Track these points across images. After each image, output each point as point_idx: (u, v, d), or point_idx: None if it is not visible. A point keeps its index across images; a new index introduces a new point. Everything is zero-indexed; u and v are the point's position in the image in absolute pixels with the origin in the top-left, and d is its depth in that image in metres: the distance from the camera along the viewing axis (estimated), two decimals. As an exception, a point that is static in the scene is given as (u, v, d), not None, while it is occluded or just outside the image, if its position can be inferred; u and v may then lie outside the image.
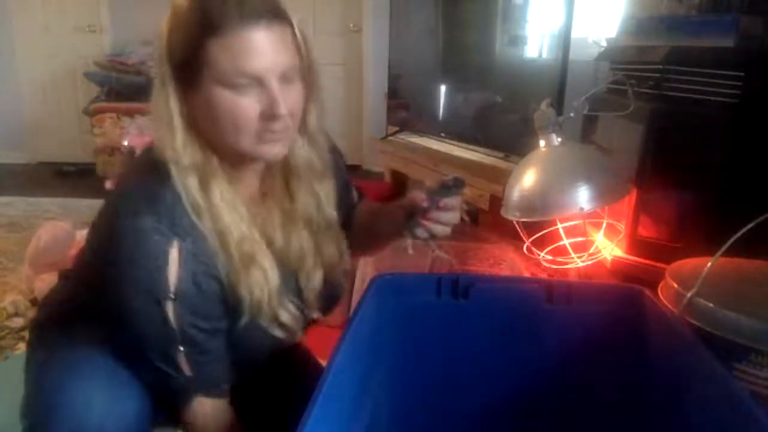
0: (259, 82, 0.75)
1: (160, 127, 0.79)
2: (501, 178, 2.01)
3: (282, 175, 0.92)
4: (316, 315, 0.96)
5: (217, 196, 0.81)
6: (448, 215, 0.86)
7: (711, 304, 0.85)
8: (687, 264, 0.98)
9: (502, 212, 1.33)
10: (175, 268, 0.76)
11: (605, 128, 1.51)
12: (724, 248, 0.88)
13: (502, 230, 1.66)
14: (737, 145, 1.20)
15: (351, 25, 4.17)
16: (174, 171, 0.78)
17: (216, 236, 0.80)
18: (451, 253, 1.43)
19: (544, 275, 1.40)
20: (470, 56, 2.75)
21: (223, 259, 0.81)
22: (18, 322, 1.91)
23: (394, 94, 3.25)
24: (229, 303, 0.82)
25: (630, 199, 1.33)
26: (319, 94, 0.88)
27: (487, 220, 2.11)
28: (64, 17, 4.25)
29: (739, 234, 0.87)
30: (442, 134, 2.81)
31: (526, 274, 1.40)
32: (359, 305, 0.80)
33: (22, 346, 1.75)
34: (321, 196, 0.93)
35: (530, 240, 1.42)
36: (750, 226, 0.87)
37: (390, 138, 3.09)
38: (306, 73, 0.82)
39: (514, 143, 2.25)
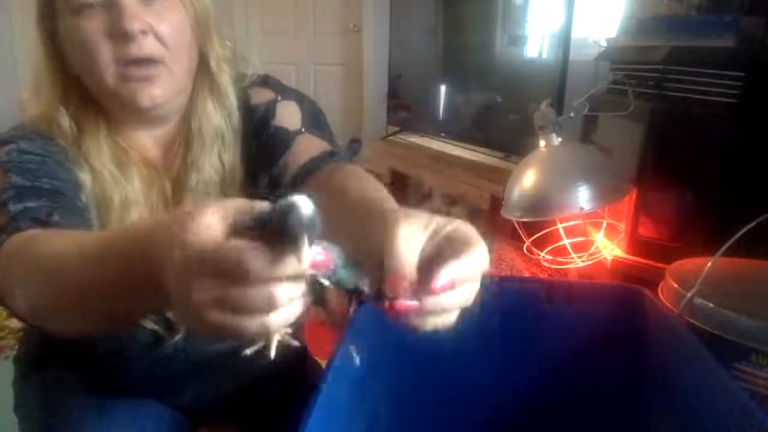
0: (107, 2, 0.66)
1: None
2: (501, 178, 2.01)
3: (184, 143, 0.78)
4: None
5: (97, 154, 0.72)
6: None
7: (711, 304, 0.85)
8: (687, 264, 0.98)
9: (502, 212, 1.33)
10: None
11: (605, 128, 1.51)
12: (724, 248, 0.88)
13: (502, 230, 1.66)
14: (737, 145, 1.20)
15: (351, 25, 4.17)
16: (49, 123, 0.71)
17: (93, 199, 0.71)
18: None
19: (544, 275, 1.40)
20: (470, 56, 2.75)
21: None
22: (18, 321, 1.91)
23: (394, 94, 3.25)
24: None
25: (630, 199, 1.32)
26: (220, 32, 0.74)
27: (487, 220, 2.11)
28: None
29: (739, 234, 0.87)
30: (443, 134, 2.82)
31: (526, 274, 1.40)
32: (360, 305, 0.80)
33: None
34: (226, 173, 0.78)
35: (530, 240, 1.42)
36: (750, 226, 0.87)
37: (390, 138, 3.10)
38: None
39: (514, 143, 2.26)
